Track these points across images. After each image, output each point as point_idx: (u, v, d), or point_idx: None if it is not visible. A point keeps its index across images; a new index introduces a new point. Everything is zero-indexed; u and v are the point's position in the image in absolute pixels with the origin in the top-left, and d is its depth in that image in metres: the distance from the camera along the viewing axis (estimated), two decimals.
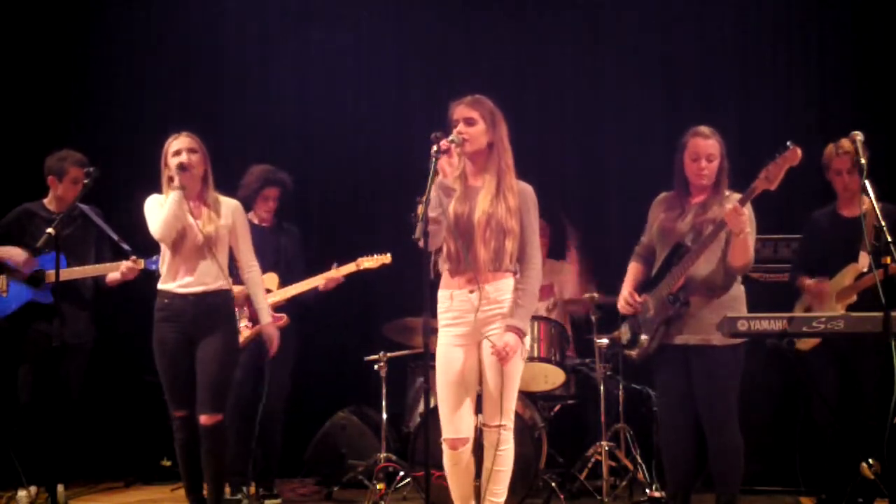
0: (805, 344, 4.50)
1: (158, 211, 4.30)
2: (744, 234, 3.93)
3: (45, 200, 5.17)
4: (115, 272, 4.88)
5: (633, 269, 4.37)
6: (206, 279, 4.33)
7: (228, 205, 4.47)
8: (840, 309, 4.38)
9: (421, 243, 3.50)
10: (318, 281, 5.25)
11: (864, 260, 4.44)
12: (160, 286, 4.38)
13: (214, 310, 4.33)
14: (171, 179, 4.31)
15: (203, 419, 4.26)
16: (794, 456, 4.99)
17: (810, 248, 4.72)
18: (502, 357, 3.65)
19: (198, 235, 4.29)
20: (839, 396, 4.52)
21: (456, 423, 3.71)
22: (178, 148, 4.33)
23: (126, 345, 6.37)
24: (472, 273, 3.70)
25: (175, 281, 4.33)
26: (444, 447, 3.74)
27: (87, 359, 5.17)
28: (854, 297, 4.42)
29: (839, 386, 4.53)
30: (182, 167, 4.25)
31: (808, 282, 4.60)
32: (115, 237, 4.99)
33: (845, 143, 4.46)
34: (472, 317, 3.70)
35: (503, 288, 3.72)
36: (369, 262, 5.27)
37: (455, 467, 3.75)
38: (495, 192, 3.71)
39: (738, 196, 4.08)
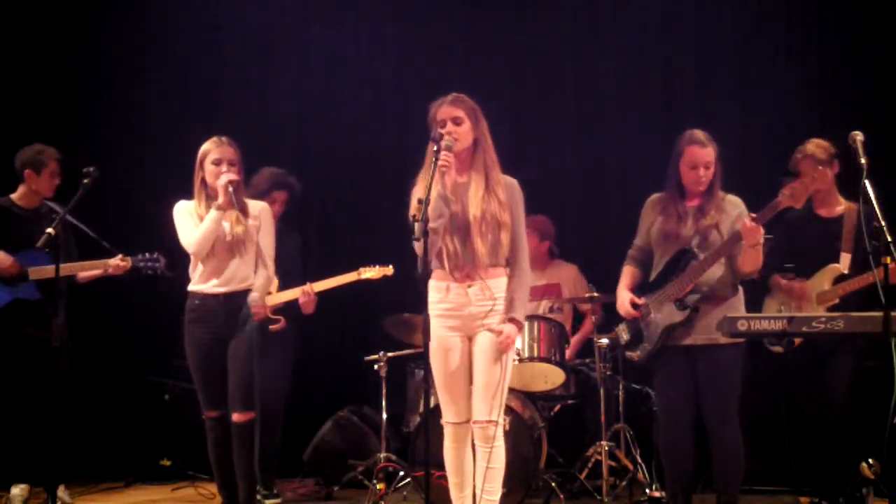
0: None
1: (191, 225, 4.27)
2: (758, 246, 3.94)
3: (14, 196, 5.06)
4: (98, 269, 4.85)
5: (628, 273, 4.36)
6: (236, 279, 4.32)
7: (255, 206, 4.45)
8: (820, 310, 4.39)
9: (420, 245, 3.50)
10: (297, 293, 5.16)
11: (846, 260, 4.45)
12: (191, 287, 4.35)
13: (242, 309, 4.33)
14: (205, 185, 4.28)
15: (235, 417, 4.27)
16: (795, 456, 4.98)
17: (787, 248, 4.66)
18: (503, 347, 3.67)
19: (227, 238, 4.28)
20: (812, 394, 4.53)
21: (455, 406, 3.75)
22: (220, 158, 4.29)
23: (126, 345, 6.39)
24: (469, 268, 3.72)
25: (205, 282, 4.31)
26: (446, 429, 3.77)
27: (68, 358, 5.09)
28: (836, 300, 4.43)
29: (812, 385, 4.53)
30: (231, 186, 4.21)
31: (785, 283, 4.61)
32: (93, 234, 4.94)
33: (808, 146, 4.51)
34: (467, 311, 3.73)
35: (500, 282, 3.75)
36: (371, 272, 5.21)
37: (456, 443, 3.77)
38: (485, 188, 3.74)
39: (732, 198, 4.13)
